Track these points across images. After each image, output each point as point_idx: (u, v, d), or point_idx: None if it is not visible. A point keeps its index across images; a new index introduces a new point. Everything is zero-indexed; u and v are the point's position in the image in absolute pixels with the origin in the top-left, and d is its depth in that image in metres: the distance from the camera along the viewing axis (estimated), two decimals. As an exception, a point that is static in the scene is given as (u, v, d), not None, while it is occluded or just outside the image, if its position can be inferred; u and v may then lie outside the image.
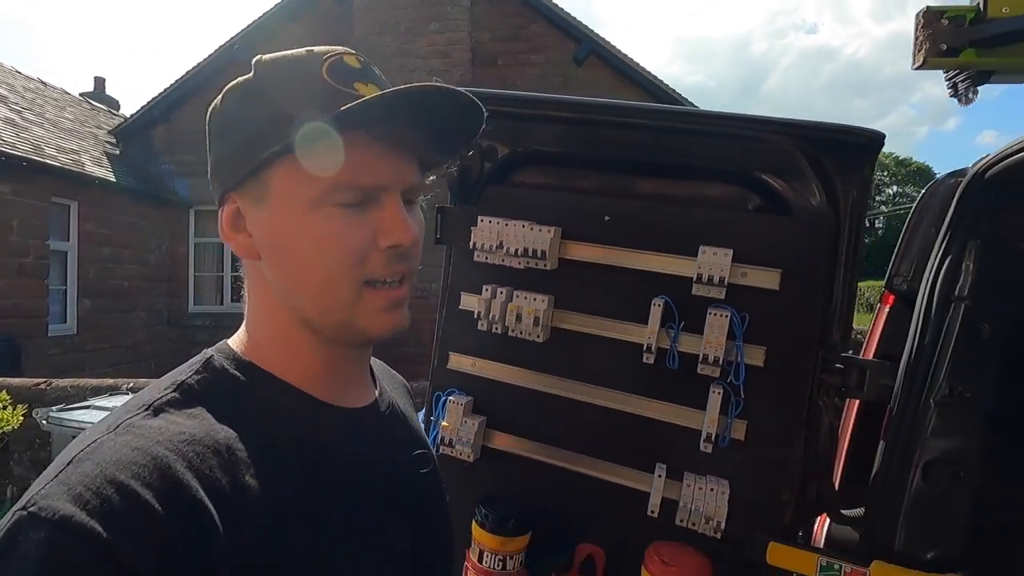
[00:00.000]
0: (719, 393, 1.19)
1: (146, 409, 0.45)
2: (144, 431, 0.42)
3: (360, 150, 0.47)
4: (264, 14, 7.86)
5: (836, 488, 1.25)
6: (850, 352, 1.23)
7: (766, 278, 1.19)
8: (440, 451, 1.31)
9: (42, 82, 8.83)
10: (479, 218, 1.35)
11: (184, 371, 0.50)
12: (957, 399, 1.14)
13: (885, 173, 41.02)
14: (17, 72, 8.35)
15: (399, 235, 0.49)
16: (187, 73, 8.02)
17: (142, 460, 0.40)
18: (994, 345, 1.12)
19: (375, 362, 0.65)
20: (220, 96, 0.53)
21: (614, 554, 1.30)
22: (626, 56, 7.63)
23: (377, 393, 0.60)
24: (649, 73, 7.61)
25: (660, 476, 1.24)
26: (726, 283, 1.18)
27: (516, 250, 1.32)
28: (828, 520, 1.28)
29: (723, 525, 1.18)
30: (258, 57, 0.51)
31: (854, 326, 1.27)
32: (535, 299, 1.31)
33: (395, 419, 0.62)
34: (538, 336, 1.31)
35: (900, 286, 1.28)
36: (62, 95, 9.04)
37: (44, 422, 2.96)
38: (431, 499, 0.63)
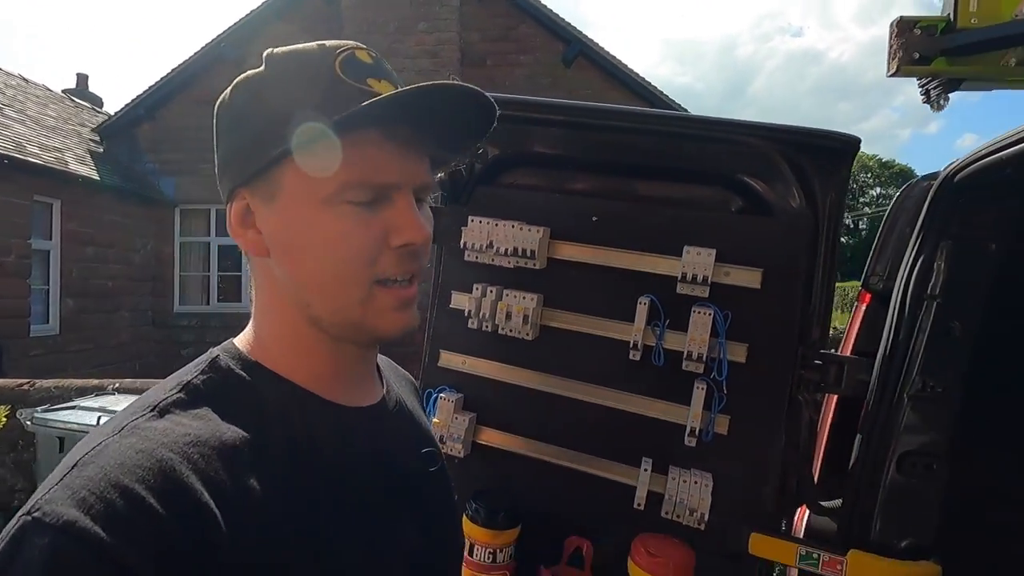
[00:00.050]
0: (703, 389, 1.23)
1: (151, 410, 0.44)
2: (149, 433, 0.42)
3: (374, 148, 0.47)
4: (251, 11, 7.80)
5: (815, 480, 1.30)
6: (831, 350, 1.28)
7: (748, 277, 1.23)
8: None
9: (23, 78, 8.67)
10: (469, 218, 1.38)
11: (190, 371, 0.49)
12: (929, 394, 1.19)
13: (868, 175, 41.64)
14: (-3, 68, 8.21)
15: (411, 234, 0.48)
16: (173, 70, 7.93)
17: (146, 463, 0.39)
18: (964, 342, 1.17)
19: (381, 359, 0.64)
20: (229, 89, 0.51)
21: (601, 546, 1.33)
22: (614, 58, 7.69)
23: (384, 391, 0.59)
24: (637, 75, 7.68)
25: (646, 470, 1.27)
26: (709, 282, 1.22)
27: (506, 250, 1.34)
28: (808, 511, 1.32)
29: (707, 517, 1.22)
30: (269, 51, 0.50)
31: (836, 325, 1.31)
32: (524, 298, 1.34)
33: (402, 417, 0.61)
34: (527, 334, 1.34)
35: (876, 285, 1.33)
36: (44, 92, 8.89)
37: (28, 423, 2.92)
38: (439, 498, 0.62)
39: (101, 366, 6.76)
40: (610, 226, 1.33)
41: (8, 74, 8.36)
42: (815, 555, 1.17)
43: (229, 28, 7.80)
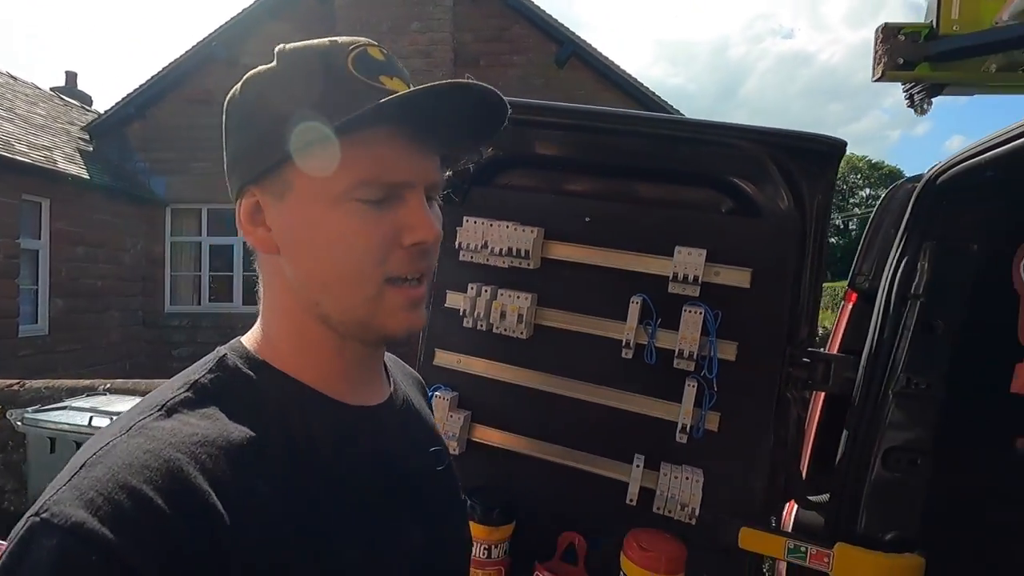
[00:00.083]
0: (694, 386, 1.25)
1: (159, 409, 0.44)
2: (157, 433, 0.42)
3: (386, 146, 0.46)
4: (244, 10, 7.76)
5: (803, 476, 1.32)
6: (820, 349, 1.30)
7: (738, 277, 1.25)
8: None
9: (11, 76, 8.57)
10: (464, 218, 1.39)
11: (197, 370, 0.49)
12: (913, 391, 1.22)
13: (858, 176, 42.02)
14: (-15, 66, 8.10)
15: (423, 232, 0.48)
16: (164, 69, 7.88)
17: (154, 464, 0.39)
18: (946, 340, 1.20)
19: (388, 356, 0.63)
20: (239, 85, 0.51)
21: (595, 541, 1.35)
22: (607, 59, 7.72)
23: (391, 389, 0.59)
24: (630, 76, 7.72)
25: (638, 466, 1.30)
26: (700, 281, 1.24)
27: (500, 249, 1.36)
28: (796, 506, 1.35)
29: (697, 512, 1.25)
30: (280, 46, 0.49)
31: (825, 324, 1.34)
32: (519, 297, 1.36)
33: (410, 415, 0.61)
34: (522, 333, 1.36)
35: (862, 284, 1.36)
36: (33, 90, 8.79)
37: (19, 423, 2.90)
38: (446, 497, 0.61)
39: (91, 366, 6.70)
40: (603, 226, 1.35)
41: (-5, 72, 8.26)
42: (803, 548, 1.20)
43: (221, 27, 7.76)
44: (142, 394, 3.42)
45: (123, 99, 7.93)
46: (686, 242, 1.26)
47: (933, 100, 1.29)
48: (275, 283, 0.52)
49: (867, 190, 41.69)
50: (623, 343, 1.29)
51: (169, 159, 7.84)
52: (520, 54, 7.73)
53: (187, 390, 0.46)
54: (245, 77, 0.50)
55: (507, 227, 1.36)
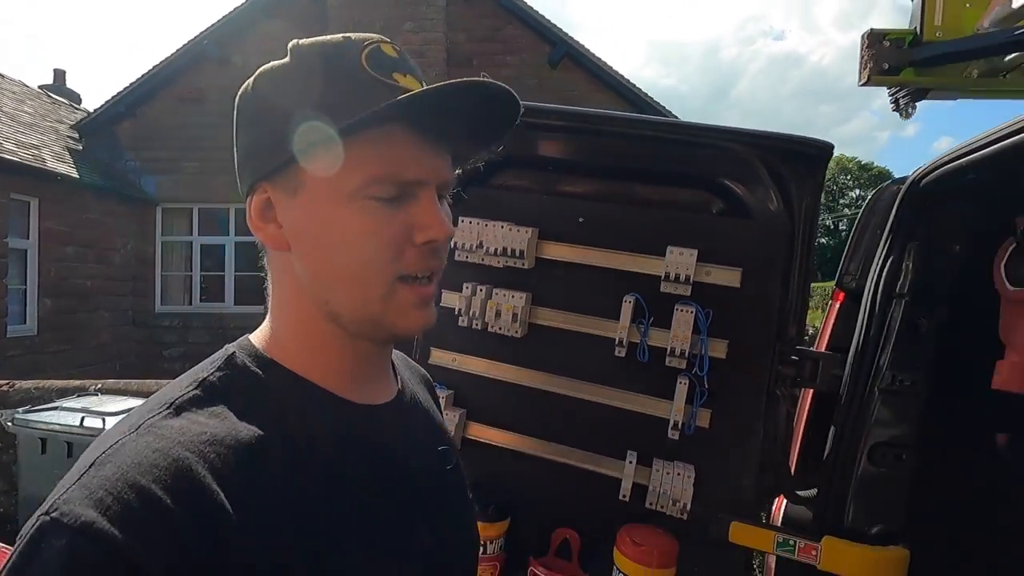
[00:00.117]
0: (685, 384, 1.28)
1: (168, 408, 0.44)
2: (166, 432, 0.42)
3: (400, 144, 0.46)
4: (236, 9, 7.72)
5: (792, 471, 1.35)
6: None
7: (728, 276, 1.28)
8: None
9: (-1, 74, 8.48)
10: (460, 219, 1.41)
11: (206, 367, 0.49)
12: (898, 387, 1.25)
13: (848, 177, 42.42)
14: (-29, 63, 8.00)
15: (435, 230, 0.48)
16: (155, 67, 7.81)
17: (163, 463, 0.39)
18: (930, 338, 1.23)
19: (396, 354, 0.63)
20: (251, 80, 0.50)
21: (588, 537, 1.37)
22: (600, 60, 7.76)
23: (399, 387, 0.59)
24: (622, 77, 7.75)
25: (631, 463, 1.32)
26: (692, 281, 1.27)
27: (495, 249, 1.38)
28: (785, 501, 1.38)
29: (689, 507, 1.27)
30: (295, 42, 0.49)
31: (815, 324, 1.36)
32: (513, 296, 1.38)
33: (418, 414, 0.61)
34: (516, 332, 1.38)
35: (849, 284, 1.39)
36: (20, 87, 8.68)
37: (10, 424, 2.87)
38: (454, 497, 0.61)
39: (81, 367, 6.65)
40: (596, 227, 1.37)
41: (-18, 69, 8.16)
42: (792, 542, 1.23)
43: (213, 25, 7.71)
44: (134, 394, 3.41)
45: (113, 97, 7.86)
46: (678, 242, 1.28)
47: (917, 104, 1.32)
48: (285, 280, 0.52)
49: (857, 191, 42.08)
50: (616, 341, 1.31)
51: (160, 158, 7.78)
52: (513, 54, 7.75)
53: (196, 388, 0.46)
54: (257, 72, 0.50)
55: (502, 227, 1.38)
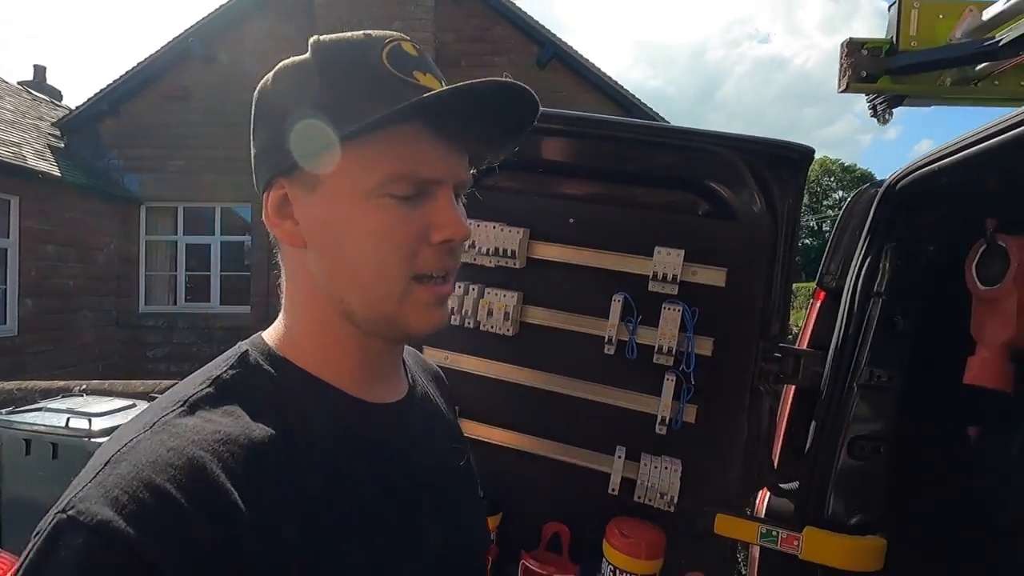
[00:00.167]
0: (672, 380, 1.31)
1: (181, 405, 0.44)
2: (180, 430, 0.42)
3: (419, 142, 0.46)
4: (222, 5, 7.64)
5: (775, 465, 1.39)
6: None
7: (714, 276, 1.31)
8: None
9: (-23, 69, 8.30)
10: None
11: (219, 365, 0.49)
12: (876, 383, 1.29)
13: (831, 179, 43.00)
14: (-52, 58, 7.82)
15: (452, 230, 0.48)
16: (138, 64, 7.70)
17: (178, 461, 0.40)
18: (906, 335, 1.28)
19: (407, 351, 0.63)
20: (271, 75, 0.50)
21: (578, 530, 1.40)
22: (588, 61, 7.80)
23: (410, 385, 0.59)
24: (610, 78, 7.81)
25: (620, 457, 1.35)
26: (679, 280, 1.30)
27: (487, 249, 1.40)
28: (768, 493, 1.42)
29: (676, 500, 1.31)
30: (315, 38, 0.48)
31: (799, 322, 1.40)
32: (505, 295, 1.40)
33: (429, 412, 0.61)
34: (508, 330, 1.40)
35: (830, 283, 1.43)
36: (0, 84, 8.54)
37: (-8, 425, 2.84)
38: (465, 496, 0.61)
39: (63, 368, 6.54)
40: (586, 227, 1.40)
41: (-40, 64, 7.98)
42: (774, 533, 1.27)
43: (198, 22, 7.63)
44: (119, 395, 3.38)
45: (96, 95, 7.74)
46: (665, 243, 1.32)
47: (895, 110, 1.37)
48: (299, 278, 0.52)
49: (840, 192, 42.67)
50: (605, 339, 1.35)
51: (144, 156, 7.68)
52: (501, 55, 7.77)
53: (209, 386, 0.46)
54: (277, 67, 0.49)
55: (494, 227, 1.40)
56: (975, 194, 1.26)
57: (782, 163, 1.24)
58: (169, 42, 7.65)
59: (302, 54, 0.48)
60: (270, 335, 0.53)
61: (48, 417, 2.86)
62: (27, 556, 0.38)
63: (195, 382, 0.47)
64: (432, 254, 0.48)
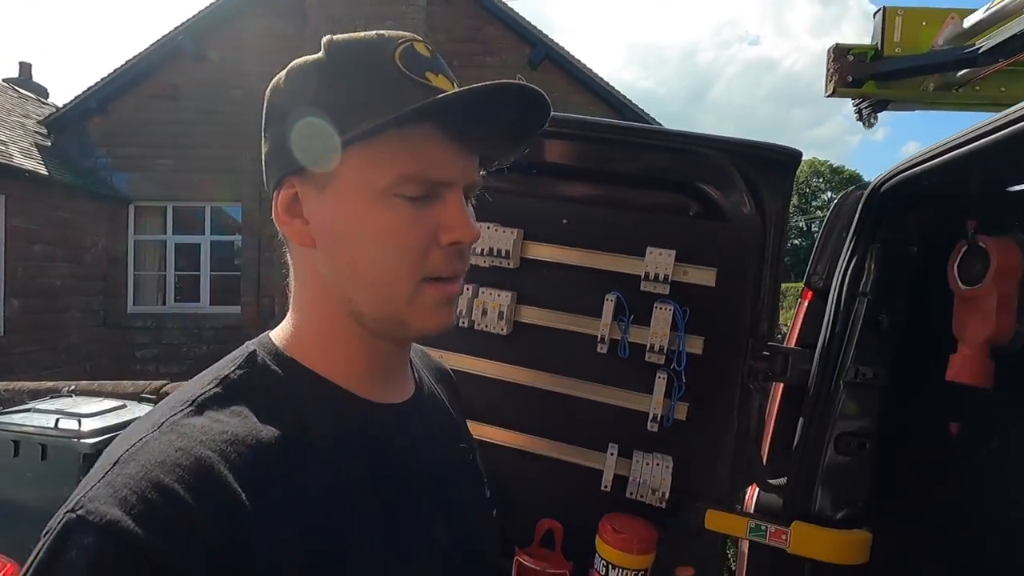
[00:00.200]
0: (664, 378, 1.33)
1: (190, 405, 0.45)
2: (187, 430, 0.42)
3: (431, 143, 0.46)
4: (212, 4, 7.60)
5: (764, 461, 1.42)
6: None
7: (704, 276, 1.34)
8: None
9: (-39, 66, 8.18)
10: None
11: (227, 365, 0.49)
12: (862, 380, 1.32)
13: (820, 180, 43.45)
14: (-68, 54, 7.71)
15: (460, 232, 0.48)
16: (127, 62, 7.64)
17: (185, 462, 0.40)
18: (890, 333, 1.32)
19: (415, 349, 0.63)
20: (284, 73, 0.49)
21: (571, 527, 1.42)
22: (579, 62, 7.84)
23: (416, 385, 0.59)
24: (601, 79, 7.86)
25: (612, 455, 1.37)
26: (670, 280, 1.33)
27: (481, 249, 1.42)
28: (757, 489, 1.45)
29: (667, 496, 1.33)
30: (329, 37, 0.48)
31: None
32: (499, 295, 1.42)
33: (435, 411, 0.61)
34: (502, 329, 1.42)
35: (817, 283, 1.46)
36: (-17, 81, 8.43)
37: (-20, 427, 2.80)
38: (472, 496, 0.61)
39: (50, 369, 6.47)
40: (579, 228, 1.42)
41: (-56, 62, 7.88)
42: (763, 527, 1.30)
43: (189, 20, 7.58)
44: (108, 395, 3.35)
45: (83, 92, 7.67)
46: (657, 243, 1.34)
47: (880, 113, 1.40)
48: (307, 277, 0.52)
49: (829, 193, 43.09)
50: (598, 338, 1.37)
51: (132, 155, 7.62)
52: (494, 55, 7.79)
53: (217, 386, 0.47)
54: (290, 66, 0.49)
55: (488, 228, 1.42)
56: (957, 196, 1.29)
57: (771, 166, 1.27)
58: (159, 39, 7.60)
59: (315, 53, 0.49)
60: (278, 335, 0.53)
61: (37, 418, 2.83)
62: (37, 554, 0.38)
63: (203, 382, 0.48)
64: (441, 256, 0.48)
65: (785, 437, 1.44)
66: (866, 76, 1.29)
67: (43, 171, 6.69)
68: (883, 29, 1.27)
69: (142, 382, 3.85)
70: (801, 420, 1.37)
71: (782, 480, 1.39)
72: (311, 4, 6.94)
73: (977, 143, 0.96)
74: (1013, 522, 1.16)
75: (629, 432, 1.38)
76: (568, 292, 1.42)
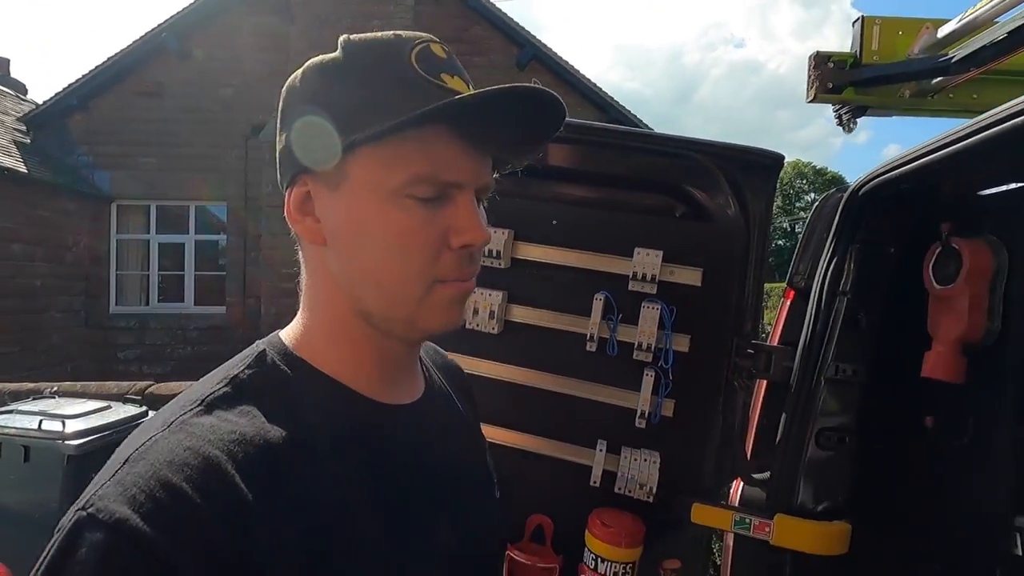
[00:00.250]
0: (651, 376, 1.37)
1: (199, 405, 0.45)
2: (196, 430, 0.43)
3: (444, 145, 0.46)
4: (197, 0, 7.52)
5: (748, 456, 1.46)
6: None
7: (690, 276, 1.37)
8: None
9: (-64, 61, 8.00)
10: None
11: (237, 364, 0.49)
12: (842, 376, 1.37)
13: (804, 181, 44.03)
14: (-95, 48, 7.52)
15: (471, 234, 0.47)
16: (109, 59, 7.52)
17: (194, 461, 0.40)
18: (869, 332, 1.36)
19: (427, 346, 0.62)
20: (300, 72, 0.50)
21: (561, 522, 1.44)
22: (567, 63, 7.88)
23: (427, 384, 0.59)
24: (588, 80, 7.90)
25: (601, 451, 1.40)
26: (657, 280, 1.36)
27: (473, 250, 1.44)
28: (742, 483, 1.49)
29: (654, 490, 1.36)
30: (345, 37, 0.48)
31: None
32: (490, 295, 1.44)
33: (445, 411, 0.60)
34: (493, 328, 1.44)
35: (799, 283, 1.51)
36: (-40, 76, 8.24)
37: (-40, 429, 2.75)
38: (481, 495, 0.61)
39: (30, 370, 6.35)
40: (569, 229, 1.44)
41: (-82, 56, 7.69)
42: (747, 520, 1.33)
43: (173, 16, 7.48)
44: (92, 397, 3.31)
45: (64, 89, 7.53)
46: (644, 244, 1.37)
47: (859, 119, 1.45)
48: (319, 276, 0.52)
49: (812, 195, 43.61)
50: (587, 337, 1.39)
51: (114, 153, 7.50)
52: (481, 55, 7.79)
53: (226, 385, 0.47)
54: (305, 65, 0.49)
55: (479, 229, 1.44)
56: (932, 200, 1.34)
57: (754, 169, 1.30)
58: (142, 36, 7.49)
59: (312, 53, 0.49)
60: (287, 334, 0.53)
61: (19, 419, 2.79)
62: (49, 551, 0.39)
63: (212, 381, 0.48)
64: (452, 259, 0.48)
65: (768, 432, 1.48)
66: (845, 83, 1.34)
67: (22, 169, 6.56)
68: (861, 38, 1.32)
69: (127, 383, 3.80)
70: (784, 416, 1.41)
71: (766, 474, 1.43)
72: (297, 2, 6.88)
73: (949, 148, 1.00)
74: (986, 511, 1.21)
75: (617, 429, 1.41)
76: (558, 292, 1.44)
